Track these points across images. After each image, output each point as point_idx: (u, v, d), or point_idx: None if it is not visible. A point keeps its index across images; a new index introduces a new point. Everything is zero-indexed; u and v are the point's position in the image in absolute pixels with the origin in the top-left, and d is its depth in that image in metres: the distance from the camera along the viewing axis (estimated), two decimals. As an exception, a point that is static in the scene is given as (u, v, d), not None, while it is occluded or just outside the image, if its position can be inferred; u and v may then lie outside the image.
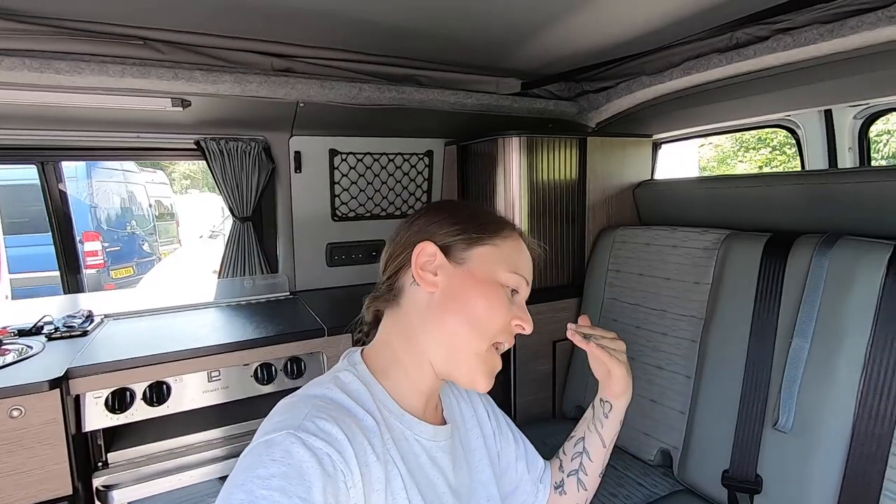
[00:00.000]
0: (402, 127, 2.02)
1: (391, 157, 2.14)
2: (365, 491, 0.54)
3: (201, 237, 7.54)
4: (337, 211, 2.07)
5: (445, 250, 0.69)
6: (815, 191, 1.43)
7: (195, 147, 1.81)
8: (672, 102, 1.78)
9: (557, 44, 1.50)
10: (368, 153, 2.09)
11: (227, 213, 1.92)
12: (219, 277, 1.95)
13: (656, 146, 2.18)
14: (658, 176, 2.17)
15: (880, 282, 1.10)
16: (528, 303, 0.72)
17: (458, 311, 0.66)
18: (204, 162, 1.81)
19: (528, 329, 0.70)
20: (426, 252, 0.68)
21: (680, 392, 1.51)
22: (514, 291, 0.70)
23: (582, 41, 1.49)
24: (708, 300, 1.48)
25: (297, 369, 1.48)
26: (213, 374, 1.39)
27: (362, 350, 0.72)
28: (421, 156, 2.20)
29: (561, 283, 1.92)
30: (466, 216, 0.72)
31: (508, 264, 0.70)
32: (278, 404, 0.61)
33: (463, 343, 0.66)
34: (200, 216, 9.31)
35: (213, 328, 1.59)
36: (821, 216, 1.40)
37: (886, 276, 1.09)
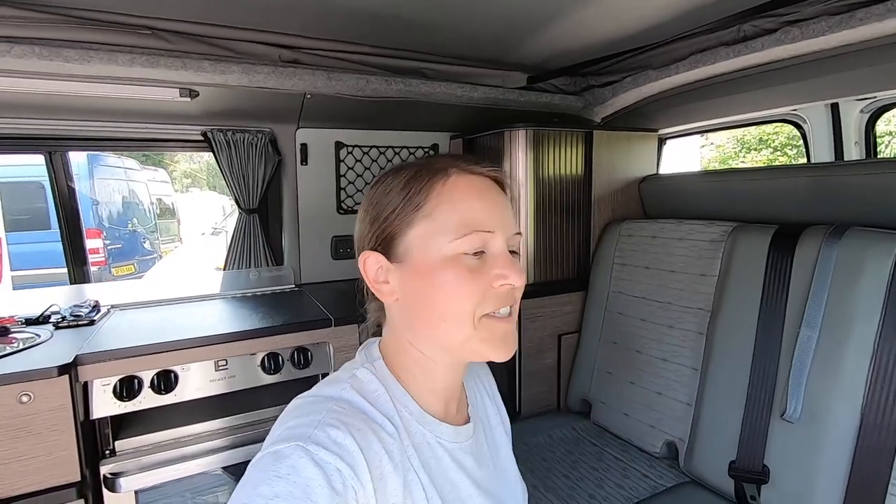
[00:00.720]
0: (407, 120, 2.03)
1: (397, 150, 2.15)
2: None
3: (203, 234, 7.55)
4: (342, 204, 2.07)
5: (385, 247, 0.61)
6: (821, 183, 1.43)
7: (202, 138, 1.81)
8: (678, 97, 1.78)
9: (563, 38, 1.51)
10: (374, 146, 2.09)
11: (228, 210, 1.93)
12: (224, 269, 1.95)
13: (662, 141, 2.19)
14: (662, 172, 2.17)
15: (889, 272, 1.10)
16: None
17: (423, 314, 0.60)
18: (206, 159, 1.82)
19: (514, 280, 0.58)
20: (370, 264, 0.62)
21: (686, 384, 1.51)
22: (478, 252, 0.58)
23: (587, 35, 1.50)
24: (715, 292, 1.49)
25: (303, 359, 1.48)
26: (220, 363, 1.39)
27: (380, 341, 0.67)
28: (426, 149, 2.21)
29: (566, 277, 1.92)
30: (393, 196, 0.60)
31: (451, 231, 0.57)
32: (292, 403, 0.58)
33: (446, 338, 0.59)
34: (201, 214, 9.33)
35: (220, 318, 1.59)
36: (826, 208, 1.41)
37: (895, 266, 1.10)
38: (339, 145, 2.02)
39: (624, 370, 1.72)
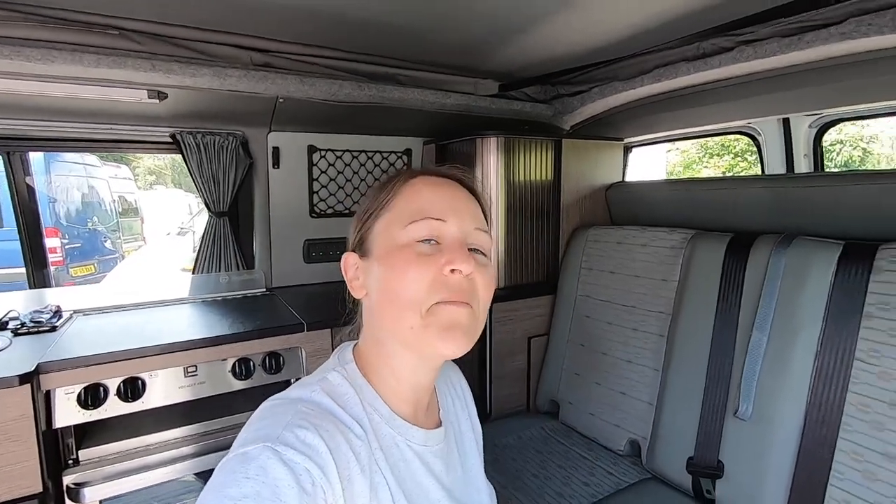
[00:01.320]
0: (381, 125, 2.04)
1: (370, 154, 2.15)
2: None
3: (168, 234, 7.34)
4: (315, 207, 2.07)
5: (359, 246, 0.66)
6: (774, 194, 1.52)
7: (171, 140, 1.77)
8: (643, 108, 1.85)
9: (534, 48, 1.55)
10: (347, 150, 2.10)
11: (195, 209, 1.89)
12: (193, 273, 1.92)
13: (627, 149, 2.26)
14: (628, 177, 2.25)
15: (831, 278, 1.19)
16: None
17: (380, 303, 0.61)
18: (173, 156, 1.78)
19: (462, 267, 0.58)
20: (348, 264, 0.67)
21: (648, 385, 1.58)
22: (429, 240, 0.60)
23: (558, 46, 1.55)
24: (675, 296, 1.56)
25: (275, 364, 1.48)
26: (189, 369, 1.37)
27: (356, 345, 0.69)
28: (400, 154, 2.22)
29: (536, 281, 1.97)
30: (369, 199, 0.67)
31: (403, 219, 0.61)
32: (261, 406, 0.58)
33: (399, 329, 0.59)
34: (166, 213, 9.05)
35: (189, 323, 1.57)
36: (779, 217, 1.49)
37: (837, 273, 1.18)
38: (311, 149, 2.01)
39: (590, 371, 1.78)
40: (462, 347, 0.58)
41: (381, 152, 2.18)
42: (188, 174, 1.83)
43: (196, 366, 1.38)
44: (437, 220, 0.60)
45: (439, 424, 0.71)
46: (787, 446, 1.19)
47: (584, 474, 1.54)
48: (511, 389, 1.98)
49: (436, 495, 0.64)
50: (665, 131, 2.10)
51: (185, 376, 1.37)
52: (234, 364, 1.44)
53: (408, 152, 2.24)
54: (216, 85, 1.44)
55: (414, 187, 0.64)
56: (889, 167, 7.08)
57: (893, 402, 1.05)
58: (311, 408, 0.56)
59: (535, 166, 1.93)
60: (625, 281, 1.73)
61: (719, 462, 1.31)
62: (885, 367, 1.07)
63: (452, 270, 0.58)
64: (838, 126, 1.95)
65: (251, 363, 1.45)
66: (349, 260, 0.67)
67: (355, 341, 0.70)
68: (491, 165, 1.84)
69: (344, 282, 0.68)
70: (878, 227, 1.27)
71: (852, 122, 1.91)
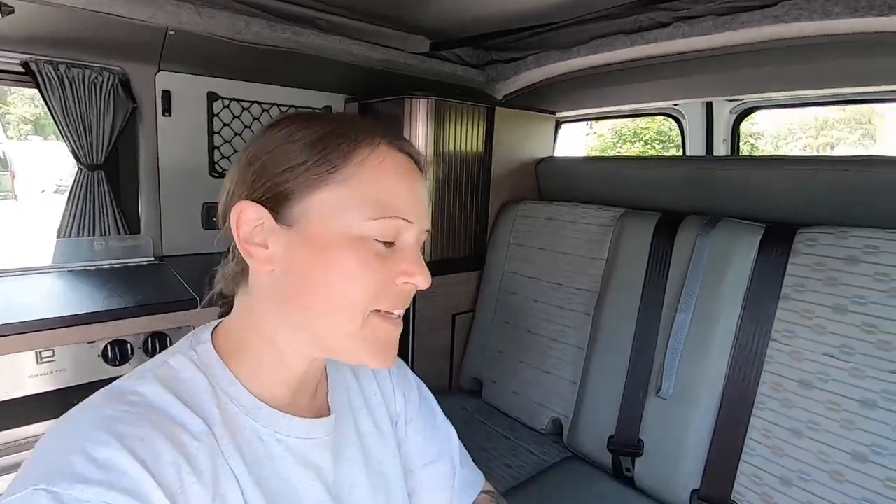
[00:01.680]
0: (297, 75, 1.81)
1: (283, 109, 1.91)
2: None
3: (43, 191, 6.40)
4: (217, 165, 1.80)
5: (274, 203, 0.49)
6: (695, 174, 1.54)
7: (23, 70, 1.42)
8: (577, 81, 1.80)
9: (468, 4, 1.42)
10: (256, 102, 1.84)
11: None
12: (58, 237, 1.59)
13: (558, 125, 2.22)
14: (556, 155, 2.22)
15: (753, 260, 1.21)
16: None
17: (305, 294, 0.49)
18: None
19: (421, 283, 0.51)
20: (246, 218, 0.49)
21: (572, 363, 1.56)
22: (389, 241, 0.51)
23: (492, 3, 1.43)
24: (602, 275, 1.54)
25: (160, 347, 1.25)
26: (43, 353, 1.12)
27: (218, 325, 0.57)
28: (318, 111, 2.00)
29: (464, 255, 1.88)
30: (301, 146, 0.49)
31: (368, 208, 0.49)
32: (69, 412, 0.46)
33: (325, 329, 0.50)
34: (44, 168, 7.95)
35: (48, 297, 1.29)
36: (700, 197, 1.52)
37: (758, 255, 1.20)
38: (212, 96, 1.73)
39: (515, 350, 1.74)
40: (389, 364, 0.54)
41: (296, 107, 1.94)
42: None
43: (53, 350, 1.13)
44: (405, 220, 0.51)
45: (328, 410, 0.59)
46: (704, 425, 1.21)
47: (507, 455, 1.51)
48: (433, 368, 1.89)
49: (316, 497, 0.53)
50: (597, 107, 2.08)
51: (39, 363, 1.12)
52: (105, 347, 1.19)
53: (327, 109, 2.02)
54: (82, 3, 1.15)
55: (381, 163, 0.50)
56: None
57: (803, 380, 1.09)
58: (126, 407, 0.45)
59: (467, 134, 1.81)
60: (553, 258, 1.69)
61: (639, 441, 1.32)
62: (797, 346, 1.11)
63: (404, 283, 0.52)
64: (751, 115, 2.05)
65: (128, 346, 1.22)
66: (250, 213, 0.49)
67: (218, 321, 0.57)
68: (420, 130, 1.69)
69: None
70: (799, 211, 1.31)
71: (769, 109, 2.02)
